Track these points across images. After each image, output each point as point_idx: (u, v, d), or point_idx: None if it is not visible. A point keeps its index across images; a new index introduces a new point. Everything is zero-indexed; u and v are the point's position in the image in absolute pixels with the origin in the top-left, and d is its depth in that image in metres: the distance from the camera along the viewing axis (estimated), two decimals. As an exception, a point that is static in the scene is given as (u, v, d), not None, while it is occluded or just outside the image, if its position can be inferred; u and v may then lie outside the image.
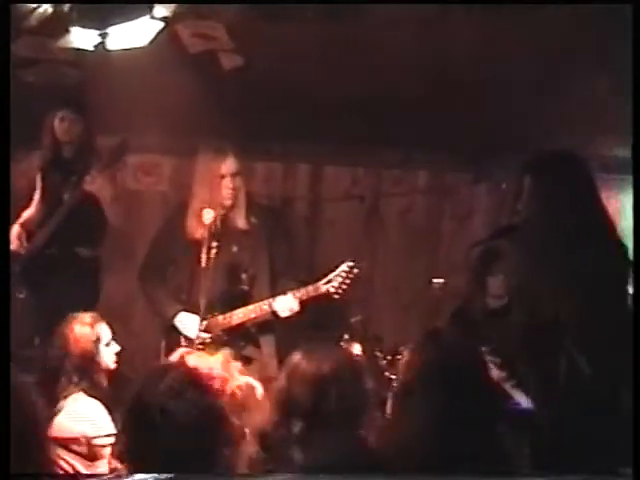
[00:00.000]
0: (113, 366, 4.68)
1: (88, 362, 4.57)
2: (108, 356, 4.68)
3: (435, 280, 5.69)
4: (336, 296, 5.13)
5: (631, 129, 3.85)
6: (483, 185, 6.60)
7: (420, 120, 6.01)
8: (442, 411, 2.94)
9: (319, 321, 5.67)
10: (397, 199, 6.69)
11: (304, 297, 5.15)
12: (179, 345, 5.16)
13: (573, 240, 4.05)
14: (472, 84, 5.67)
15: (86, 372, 4.56)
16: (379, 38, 5.45)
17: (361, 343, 5.49)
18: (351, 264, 5.13)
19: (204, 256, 4.96)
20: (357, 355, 5.00)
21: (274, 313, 5.18)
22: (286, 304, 5.15)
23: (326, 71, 5.78)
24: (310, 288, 5.16)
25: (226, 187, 5.19)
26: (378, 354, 5.50)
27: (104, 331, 4.68)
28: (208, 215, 5.06)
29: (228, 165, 5.20)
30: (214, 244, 5.01)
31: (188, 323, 5.24)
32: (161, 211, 6.28)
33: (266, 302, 5.15)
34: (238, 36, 5.44)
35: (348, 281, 5.12)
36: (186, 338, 5.22)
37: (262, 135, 6.15)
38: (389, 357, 5.45)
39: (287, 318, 5.21)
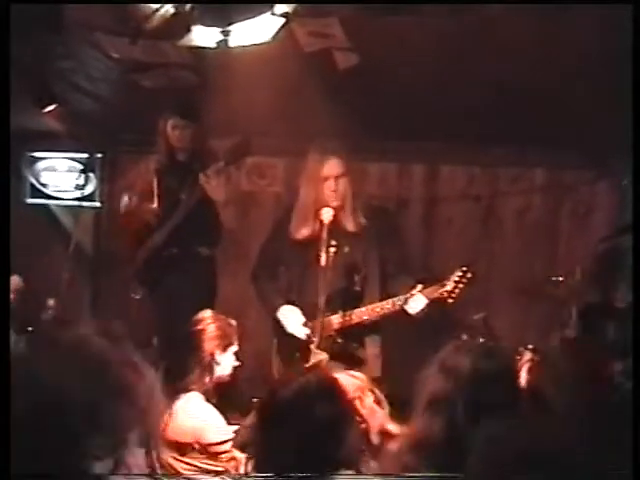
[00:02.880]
0: (230, 370, 4.77)
1: (211, 363, 4.67)
2: (229, 359, 4.77)
3: (554, 278, 5.72)
4: (450, 300, 5.13)
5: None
6: (603, 182, 6.57)
7: (537, 116, 5.98)
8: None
9: (434, 321, 5.55)
10: (514, 198, 6.68)
11: (432, 296, 5.14)
12: (291, 347, 5.27)
13: None
14: (594, 77, 5.58)
15: (206, 373, 4.64)
16: (497, 33, 5.42)
17: (480, 343, 5.44)
18: (465, 269, 5.14)
19: (323, 255, 5.00)
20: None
21: (403, 310, 5.18)
22: (419, 303, 5.13)
23: (443, 68, 5.77)
24: (436, 288, 5.14)
25: (328, 189, 5.22)
26: None
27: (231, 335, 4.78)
28: (327, 214, 5.13)
29: (331, 167, 5.23)
30: (333, 243, 5.05)
31: (290, 317, 5.31)
32: (274, 212, 6.38)
33: (400, 298, 5.15)
34: (354, 33, 5.48)
35: (462, 285, 5.13)
36: (292, 336, 5.28)
37: (376, 135, 6.21)
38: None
39: (409, 317, 5.21)
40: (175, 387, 4.54)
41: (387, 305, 5.19)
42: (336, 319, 5.21)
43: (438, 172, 6.81)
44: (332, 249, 5.02)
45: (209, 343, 4.68)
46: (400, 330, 5.44)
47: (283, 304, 5.34)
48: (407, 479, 2.93)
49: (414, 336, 5.52)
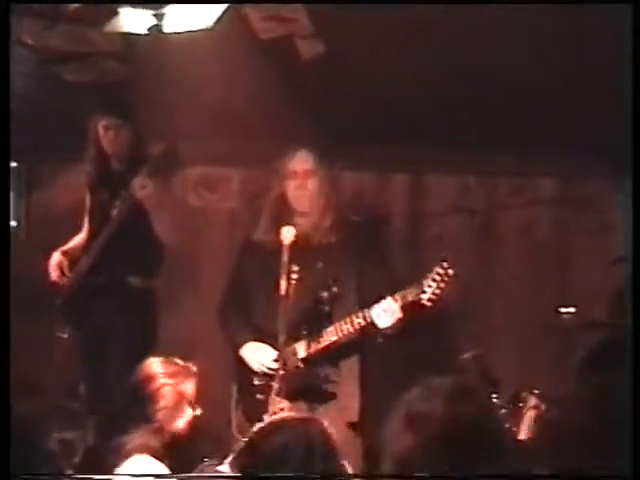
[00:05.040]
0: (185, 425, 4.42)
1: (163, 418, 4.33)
2: (184, 412, 4.43)
3: (564, 309, 5.40)
4: (429, 303, 4.83)
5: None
6: (623, 192, 6.09)
7: (543, 116, 5.76)
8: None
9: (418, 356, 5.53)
10: (516, 212, 6.42)
11: (405, 300, 4.86)
12: (253, 393, 5.03)
13: None
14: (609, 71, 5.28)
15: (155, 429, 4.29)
16: (489, 24, 5.16)
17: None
18: (445, 265, 4.85)
19: (283, 282, 4.77)
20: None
21: (373, 325, 4.90)
22: (386, 310, 4.86)
23: (429, 61, 5.53)
24: (411, 290, 4.85)
25: (297, 189, 5.04)
26: (495, 401, 5.16)
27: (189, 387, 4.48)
28: (288, 234, 4.86)
29: (300, 161, 5.06)
30: (294, 268, 4.82)
31: (256, 354, 5.06)
32: (231, 231, 6.11)
33: (361, 314, 4.92)
34: (320, 18, 5.19)
35: (443, 285, 4.83)
36: (254, 372, 5.06)
37: (349, 138, 5.94)
38: (510, 405, 5.16)
39: (379, 345, 5.01)
40: (112, 447, 4.24)
41: (357, 319, 4.92)
42: (301, 346, 4.98)
43: (425, 182, 6.49)
44: (294, 275, 4.81)
45: (160, 396, 4.35)
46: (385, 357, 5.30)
47: (250, 339, 5.11)
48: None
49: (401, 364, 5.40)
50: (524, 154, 6.30)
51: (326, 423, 3.25)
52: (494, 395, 5.19)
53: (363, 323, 4.91)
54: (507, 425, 5.05)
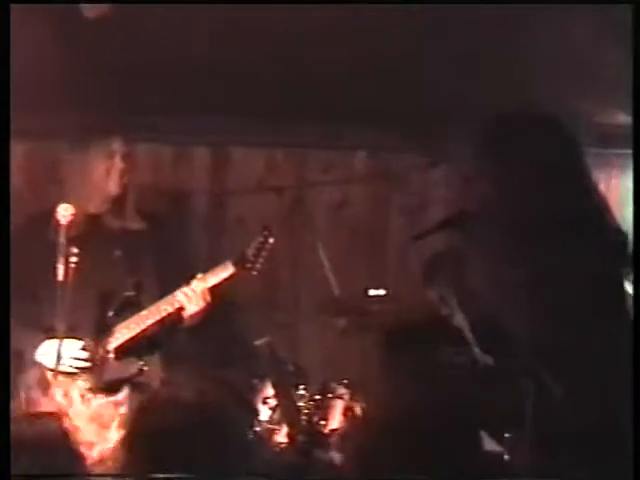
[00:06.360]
0: None
1: None
2: None
3: (373, 291, 5.32)
4: (254, 272, 4.90)
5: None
6: (440, 169, 6.18)
7: (356, 88, 5.60)
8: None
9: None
10: (327, 190, 6.28)
11: (215, 282, 4.87)
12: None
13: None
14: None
15: None
16: None
17: (276, 379, 5.17)
18: (266, 233, 4.96)
19: (61, 265, 4.53)
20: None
21: (179, 311, 4.89)
22: (192, 295, 4.86)
23: (225, 23, 5.27)
24: (219, 270, 4.87)
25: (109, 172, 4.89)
26: (302, 393, 5.13)
27: None
28: (65, 212, 4.63)
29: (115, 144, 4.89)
30: (74, 250, 4.60)
31: (61, 351, 4.75)
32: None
33: (167, 300, 4.88)
34: None
35: (265, 253, 4.93)
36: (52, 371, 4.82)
37: (142, 107, 5.67)
38: (317, 397, 5.11)
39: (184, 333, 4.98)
40: None
41: (164, 306, 4.86)
42: (107, 339, 4.87)
43: (227, 156, 6.26)
44: (73, 258, 4.60)
45: None
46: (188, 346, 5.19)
47: (44, 339, 4.89)
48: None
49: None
50: (337, 127, 6.13)
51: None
52: (301, 386, 5.12)
53: (170, 309, 4.86)
54: (315, 419, 5.04)
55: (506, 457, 4.16)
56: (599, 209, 3.85)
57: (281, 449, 4.93)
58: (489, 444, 4.37)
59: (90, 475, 2.27)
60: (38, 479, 2.29)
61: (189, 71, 5.48)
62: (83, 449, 3.11)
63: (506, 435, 4.04)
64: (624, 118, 4.89)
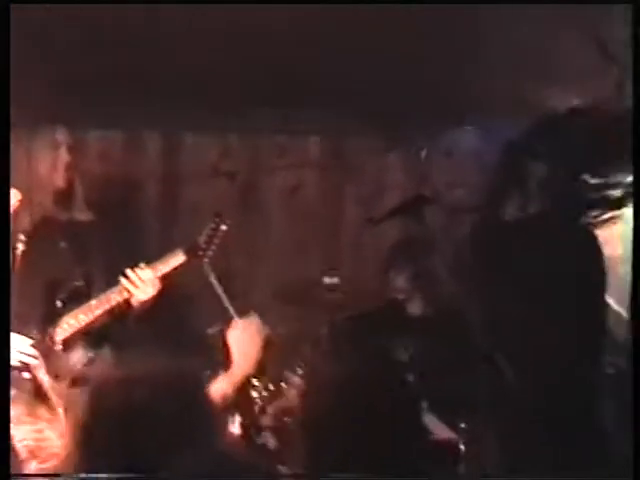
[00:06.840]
0: None
1: None
2: None
3: (328, 279, 5.28)
4: (206, 260, 4.91)
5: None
6: (396, 154, 6.20)
7: (310, 71, 5.47)
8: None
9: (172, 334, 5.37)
10: (281, 175, 6.27)
11: (165, 270, 4.84)
12: None
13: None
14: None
15: None
16: None
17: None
18: (217, 219, 4.96)
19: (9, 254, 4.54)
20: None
21: (130, 300, 4.85)
22: (143, 282, 4.82)
23: (182, 9, 4.97)
24: (169, 258, 4.85)
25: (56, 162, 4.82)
26: (256, 384, 5.04)
27: None
28: (13, 198, 4.55)
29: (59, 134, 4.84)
30: (21, 238, 4.69)
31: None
32: None
33: (116, 289, 4.84)
34: None
35: (217, 240, 4.94)
36: None
37: (89, 93, 5.52)
38: (271, 387, 5.04)
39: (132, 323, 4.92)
40: None
41: (114, 295, 4.82)
42: (57, 329, 4.78)
43: (179, 141, 6.22)
44: (20, 245, 4.71)
45: None
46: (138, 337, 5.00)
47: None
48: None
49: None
50: (289, 111, 6.08)
51: None
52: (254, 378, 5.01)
53: (120, 299, 4.81)
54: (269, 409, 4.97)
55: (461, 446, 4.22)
56: None
57: (233, 440, 4.90)
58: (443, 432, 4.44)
59: (88, 474, 2.20)
60: (38, 479, 2.30)
61: (141, 56, 5.32)
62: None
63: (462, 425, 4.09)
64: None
